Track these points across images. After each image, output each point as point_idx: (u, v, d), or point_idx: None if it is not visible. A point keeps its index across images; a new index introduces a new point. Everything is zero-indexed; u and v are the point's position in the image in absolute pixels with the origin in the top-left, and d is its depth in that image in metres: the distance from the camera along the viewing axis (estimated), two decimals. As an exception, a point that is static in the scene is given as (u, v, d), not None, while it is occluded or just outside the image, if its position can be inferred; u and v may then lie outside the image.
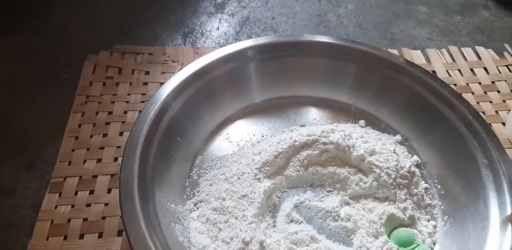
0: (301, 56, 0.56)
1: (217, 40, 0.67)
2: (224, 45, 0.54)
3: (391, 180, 0.45)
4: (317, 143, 0.48)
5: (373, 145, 0.47)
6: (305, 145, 0.48)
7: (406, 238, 0.41)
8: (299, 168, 0.47)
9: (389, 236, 0.43)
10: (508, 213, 0.40)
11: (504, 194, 0.42)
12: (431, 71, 0.58)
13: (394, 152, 0.47)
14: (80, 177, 0.47)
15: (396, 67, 0.54)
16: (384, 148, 0.48)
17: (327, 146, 0.47)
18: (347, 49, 0.56)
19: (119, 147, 0.50)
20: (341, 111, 0.56)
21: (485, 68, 0.64)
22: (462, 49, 0.67)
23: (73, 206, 0.45)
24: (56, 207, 0.44)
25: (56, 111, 0.53)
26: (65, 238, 0.42)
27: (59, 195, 0.45)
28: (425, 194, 0.47)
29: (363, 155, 0.46)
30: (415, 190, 0.46)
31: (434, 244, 0.43)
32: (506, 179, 0.43)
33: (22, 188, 0.47)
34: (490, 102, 0.59)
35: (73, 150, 0.49)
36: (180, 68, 0.58)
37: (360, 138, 0.49)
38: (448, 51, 0.67)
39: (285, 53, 0.55)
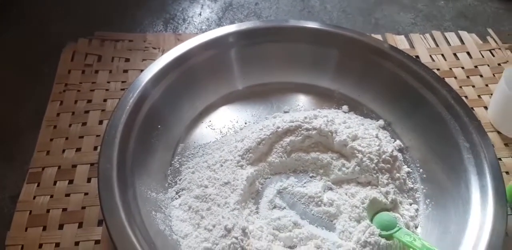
0: (284, 42, 0.55)
1: (199, 26, 0.65)
2: (207, 31, 0.53)
3: (373, 165, 0.45)
4: (300, 129, 0.47)
5: (356, 130, 0.47)
6: (288, 131, 0.47)
7: (388, 222, 0.42)
8: (282, 154, 0.47)
9: (371, 220, 0.43)
10: (489, 196, 0.41)
11: (485, 177, 0.42)
12: (414, 56, 0.57)
13: (377, 137, 0.47)
14: (59, 167, 0.46)
15: (380, 53, 0.54)
16: (366, 133, 0.47)
17: (310, 131, 0.47)
18: (330, 34, 0.55)
19: (99, 135, 0.49)
20: (325, 97, 0.55)
21: (468, 53, 0.64)
22: (446, 34, 0.67)
23: (52, 196, 0.44)
24: (34, 197, 0.44)
25: (37, 101, 0.52)
26: (44, 228, 0.42)
27: (38, 185, 0.45)
28: (407, 178, 0.47)
29: (346, 140, 0.46)
30: (397, 174, 0.46)
31: (416, 227, 0.44)
32: (488, 162, 0.43)
33: (0, 179, 0.45)
34: (473, 86, 0.59)
35: (51, 139, 0.48)
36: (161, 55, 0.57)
37: (342, 123, 0.48)
38: (432, 36, 0.66)
39: (268, 39, 0.55)
